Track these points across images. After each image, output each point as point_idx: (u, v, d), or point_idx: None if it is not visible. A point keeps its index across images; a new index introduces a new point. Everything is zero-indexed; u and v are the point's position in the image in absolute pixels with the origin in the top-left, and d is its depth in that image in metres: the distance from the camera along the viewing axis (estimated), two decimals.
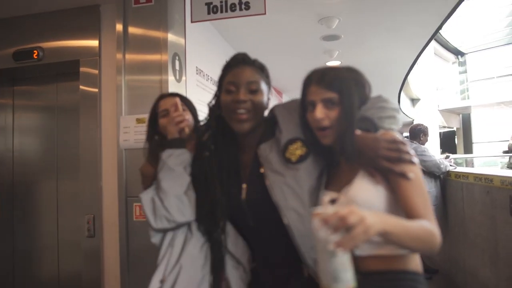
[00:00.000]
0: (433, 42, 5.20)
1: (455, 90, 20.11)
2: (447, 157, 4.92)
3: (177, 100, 1.69)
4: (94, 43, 2.68)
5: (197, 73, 3.26)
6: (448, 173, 4.41)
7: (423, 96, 16.18)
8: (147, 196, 1.55)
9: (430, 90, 16.69)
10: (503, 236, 2.98)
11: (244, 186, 1.51)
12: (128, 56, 2.53)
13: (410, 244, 1.08)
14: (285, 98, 6.84)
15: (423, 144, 4.66)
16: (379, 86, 1.34)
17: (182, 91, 2.56)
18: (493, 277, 3.17)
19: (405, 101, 14.56)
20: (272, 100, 1.59)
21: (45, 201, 3.00)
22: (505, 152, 13.35)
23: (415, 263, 1.26)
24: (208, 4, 2.57)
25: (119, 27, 2.54)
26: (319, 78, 1.32)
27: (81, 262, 2.66)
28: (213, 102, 1.60)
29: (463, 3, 3.76)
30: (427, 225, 1.12)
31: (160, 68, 2.49)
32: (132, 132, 2.46)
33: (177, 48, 2.60)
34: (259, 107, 1.49)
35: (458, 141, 18.88)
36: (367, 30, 4.32)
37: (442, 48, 18.43)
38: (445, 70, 19.38)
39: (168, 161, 1.55)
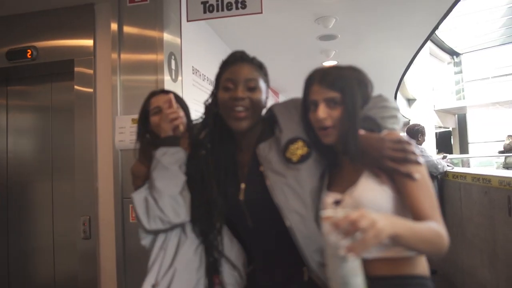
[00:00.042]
0: (428, 43, 5.20)
1: (451, 91, 20.15)
2: (444, 157, 4.93)
3: (172, 96, 1.64)
4: (89, 42, 2.64)
5: (193, 73, 3.24)
6: (445, 173, 4.41)
7: (419, 96, 16.21)
8: (139, 196, 1.49)
9: (426, 90, 16.73)
10: (501, 237, 2.97)
11: (242, 185, 1.48)
12: (123, 56, 2.50)
13: (419, 246, 1.07)
14: (282, 98, 6.82)
15: (421, 144, 4.67)
16: (376, 86, 1.34)
17: (178, 91, 2.53)
18: (491, 278, 3.16)
19: (401, 101, 14.59)
20: (269, 100, 1.57)
21: (40, 203, 2.96)
22: (500, 152, 13.42)
23: (422, 266, 1.24)
24: (204, 3, 2.55)
25: (114, 26, 2.51)
26: (321, 77, 1.30)
27: (77, 264, 2.62)
28: (210, 100, 1.56)
29: (459, 3, 3.76)
30: (435, 227, 1.10)
31: (155, 68, 2.46)
32: (128, 132, 2.42)
33: (173, 47, 2.57)
34: (258, 105, 1.46)
35: (454, 141, 18.90)
36: (363, 29, 4.31)
37: (437, 49, 18.47)
38: (440, 70, 19.41)
39: (163, 159, 1.50)
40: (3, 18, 2.76)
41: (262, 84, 1.48)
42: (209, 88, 3.08)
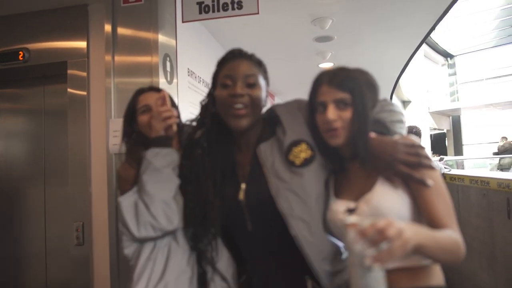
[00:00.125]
0: (423, 45, 5.22)
1: (445, 92, 20.23)
2: (441, 159, 4.92)
3: (165, 93, 1.55)
4: (82, 44, 2.59)
5: (188, 75, 3.20)
6: (443, 175, 4.39)
7: (414, 98, 16.26)
8: (128, 201, 1.39)
9: (421, 92, 16.79)
10: (500, 239, 2.95)
11: (243, 185, 1.41)
12: (118, 58, 2.45)
13: (439, 256, 1.04)
14: (278, 101, 6.79)
15: None
16: None
17: (173, 94, 2.49)
18: (490, 281, 3.14)
19: (397, 104, 14.60)
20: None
21: (32, 208, 2.90)
22: (495, 153, 13.52)
23: (438, 276, 1.22)
24: (199, 4, 2.50)
25: (107, 27, 2.45)
26: (330, 78, 1.26)
27: (70, 271, 2.56)
28: (207, 100, 1.50)
29: (454, 4, 3.75)
30: (454, 235, 1.08)
31: (150, 70, 2.40)
32: None
33: (168, 49, 2.53)
34: (257, 102, 1.39)
35: (449, 143, 18.97)
36: (360, 30, 4.30)
37: (431, 51, 18.54)
38: (434, 72, 19.50)
39: (154, 161, 1.40)
40: None
41: (261, 81, 1.42)
42: (205, 90, 3.03)
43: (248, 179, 1.42)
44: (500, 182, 2.93)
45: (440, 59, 20.10)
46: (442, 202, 1.13)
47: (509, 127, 16.16)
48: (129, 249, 1.43)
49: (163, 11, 2.48)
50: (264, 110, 1.47)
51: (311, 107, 1.33)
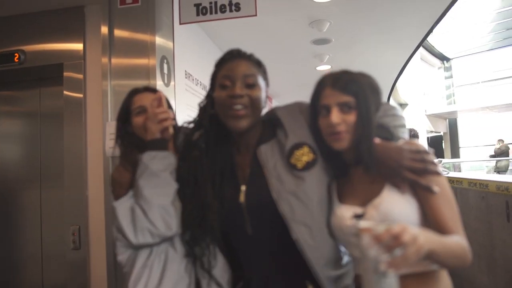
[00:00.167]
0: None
1: (441, 95, 20.28)
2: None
3: (162, 94, 1.50)
4: (78, 46, 2.57)
5: (186, 77, 3.18)
6: None
7: (410, 101, 16.30)
8: (124, 206, 1.34)
9: (417, 95, 16.84)
10: (500, 242, 2.94)
11: (243, 187, 1.38)
12: (114, 60, 2.42)
13: (448, 261, 1.04)
14: (275, 103, 6.77)
15: None
16: None
17: (171, 96, 2.46)
18: (490, 284, 3.13)
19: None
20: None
21: (28, 211, 2.86)
22: (492, 156, 13.58)
23: (446, 282, 1.20)
24: (197, 5, 2.49)
25: (104, 29, 2.43)
26: (334, 81, 1.24)
27: (66, 276, 2.53)
28: (205, 101, 1.47)
29: (452, 7, 3.75)
30: (461, 241, 1.08)
31: (147, 72, 2.38)
32: None
33: (165, 51, 2.50)
34: (257, 102, 1.36)
35: (445, 145, 19.01)
36: (358, 33, 4.30)
37: (428, 54, 18.60)
38: (431, 75, 19.56)
39: (151, 165, 1.35)
40: None
41: (261, 81, 1.39)
42: (202, 93, 3.02)
43: (248, 181, 1.39)
44: (499, 185, 2.93)
45: (437, 62, 20.16)
46: (449, 208, 1.13)
47: (506, 129, 16.25)
48: (123, 255, 1.38)
49: (160, 13, 2.46)
50: (263, 111, 1.45)
51: (314, 110, 1.31)
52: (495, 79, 18.72)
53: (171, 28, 2.59)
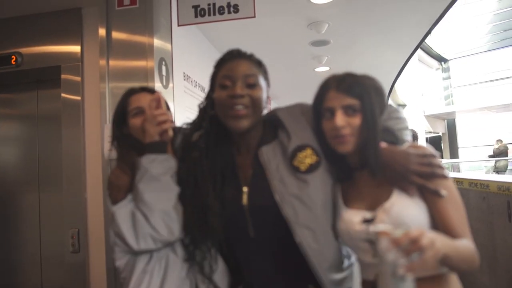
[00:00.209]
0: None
1: (440, 96, 20.33)
2: None
3: (160, 95, 1.45)
4: (76, 48, 2.55)
5: (184, 79, 3.17)
6: None
7: (409, 102, 16.31)
8: (123, 211, 1.29)
9: (416, 96, 16.86)
10: (501, 242, 2.93)
11: (245, 189, 1.36)
12: (112, 62, 2.41)
13: (459, 265, 1.04)
14: (274, 105, 6.76)
15: None
16: None
17: (169, 98, 2.45)
18: (491, 284, 3.11)
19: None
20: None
21: (26, 215, 2.84)
22: (490, 156, 13.60)
23: (457, 285, 1.19)
24: (195, 7, 2.47)
25: (102, 31, 2.41)
26: (338, 83, 1.22)
27: (65, 280, 2.51)
28: (205, 102, 1.44)
29: (450, 8, 3.75)
30: (470, 245, 1.08)
31: (146, 74, 2.36)
32: None
33: (163, 53, 2.49)
34: (258, 103, 1.34)
35: (444, 146, 19.05)
36: (356, 34, 4.29)
37: (425, 55, 18.65)
38: (429, 76, 19.62)
39: (151, 168, 1.30)
40: None
41: (262, 81, 1.37)
42: (201, 95, 3.00)
43: (250, 182, 1.37)
44: (500, 185, 2.92)
45: (434, 63, 20.23)
46: (457, 212, 1.12)
47: (504, 130, 16.29)
48: (121, 261, 1.34)
49: (158, 15, 2.45)
50: (264, 112, 1.43)
51: (317, 113, 1.29)
52: (493, 80, 18.81)
53: (169, 30, 2.58)
